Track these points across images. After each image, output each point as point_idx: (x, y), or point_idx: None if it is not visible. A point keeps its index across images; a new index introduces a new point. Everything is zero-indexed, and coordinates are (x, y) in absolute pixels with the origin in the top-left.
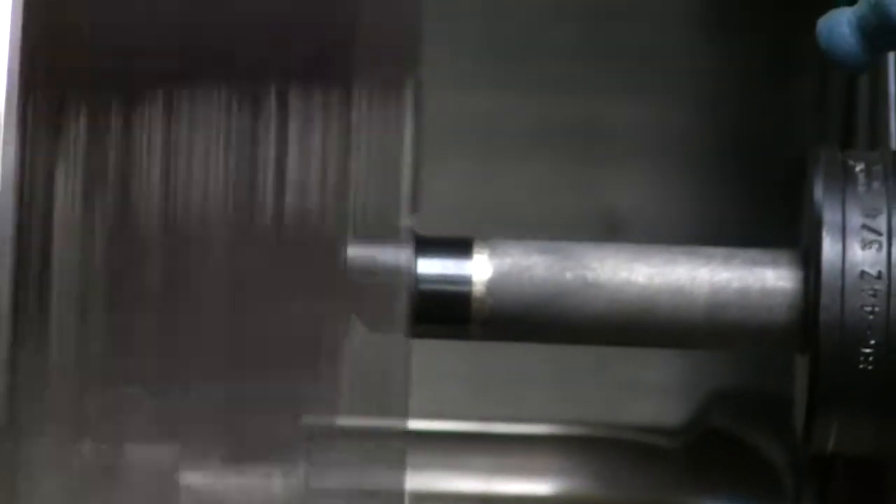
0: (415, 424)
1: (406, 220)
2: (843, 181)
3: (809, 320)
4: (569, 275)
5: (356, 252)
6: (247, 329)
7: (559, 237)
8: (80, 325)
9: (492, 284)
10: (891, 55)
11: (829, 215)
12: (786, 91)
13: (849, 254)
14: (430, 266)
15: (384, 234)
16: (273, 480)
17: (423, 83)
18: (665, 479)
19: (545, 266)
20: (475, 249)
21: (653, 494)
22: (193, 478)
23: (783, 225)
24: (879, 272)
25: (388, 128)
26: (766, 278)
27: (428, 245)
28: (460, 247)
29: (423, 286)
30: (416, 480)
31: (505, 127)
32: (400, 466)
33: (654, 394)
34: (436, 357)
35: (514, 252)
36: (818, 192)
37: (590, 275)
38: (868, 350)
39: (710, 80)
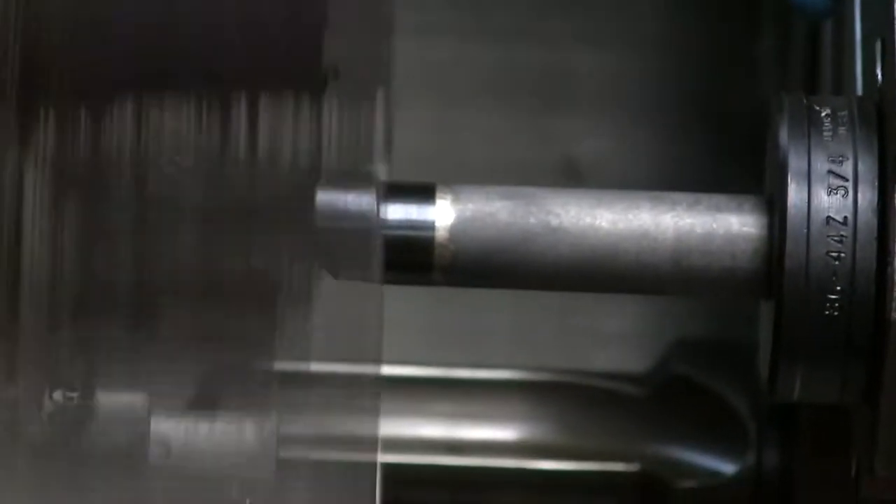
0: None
1: (379, 166)
2: (809, 127)
3: (774, 266)
4: (532, 220)
5: (326, 197)
6: (218, 275)
7: (521, 185)
8: (52, 289)
9: (454, 230)
10: (856, 1)
11: (795, 161)
12: (750, 38)
13: (814, 200)
14: (392, 212)
15: (356, 179)
16: (245, 427)
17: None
18: (629, 426)
19: (508, 211)
20: (438, 195)
21: (617, 441)
22: (164, 425)
23: (747, 174)
24: (845, 218)
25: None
26: (731, 224)
27: (390, 191)
28: (423, 192)
29: (386, 232)
30: (380, 426)
31: (467, 75)
32: (374, 413)
33: (616, 342)
34: (398, 304)
35: (476, 198)
36: (783, 137)
37: (553, 220)
38: (834, 296)
39: (674, 27)
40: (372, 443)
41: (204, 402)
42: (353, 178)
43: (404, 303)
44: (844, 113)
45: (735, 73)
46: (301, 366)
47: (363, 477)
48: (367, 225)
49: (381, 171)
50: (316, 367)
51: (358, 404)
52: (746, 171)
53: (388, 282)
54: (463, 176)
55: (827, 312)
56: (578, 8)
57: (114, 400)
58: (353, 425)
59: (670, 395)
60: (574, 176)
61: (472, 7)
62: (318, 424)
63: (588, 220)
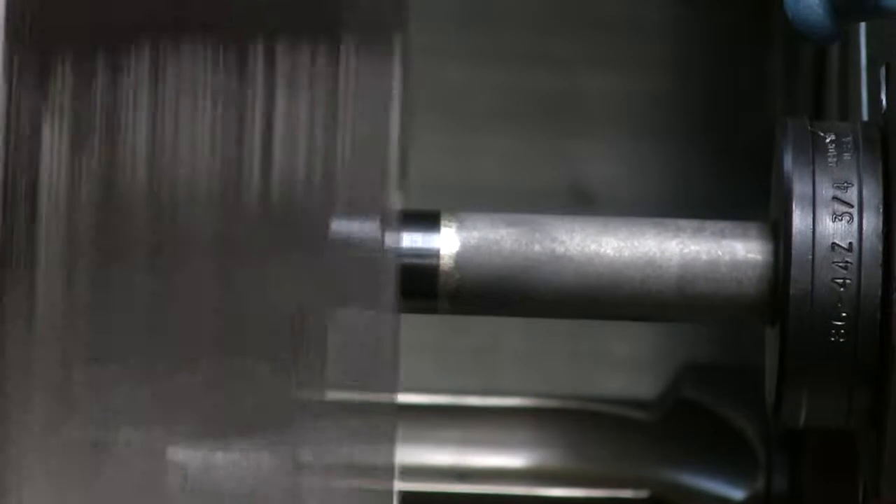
0: None
1: (395, 192)
2: (813, 152)
3: (780, 293)
4: (537, 248)
5: (341, 226)
6: (234, 303)
7: (530, 209)
8: (67, 292)
9: (459, 258)
10: (862, 25)
11: (799, 187)
12: (756, 62)
13: (819, 226)
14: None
15: (371, 207)
16: (261, 455)
17: (411, 45)
18: (638, 451)
19: (513, 239)
20: (443, 222)
21: (626, 466)
22: (181, 455)
23: (754, 197)
24: (850, 244)
25: (376, 94)
26: (736, 251)
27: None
28: (427, 220)
29: None
30: None
31: (476, 98)
32: (390, 441)
33: (625, 367)
34: (406, 330)
35: (481, 225)
36: (787, 163)
37: (558, 248)
38: (839, 323)
39: (681, 50)
40: (388, 471)
41: (221, 431)
42: (365, 205)
43: (412, 329)
44: (849, 138)
45: (744, 94)
46: (317, 394)
47: None
48: (377, 253)
49: (396, 199)
50: (332, 395)
51: (375, 432)
52: (757, 190)
53: None
54: (473, 198)
55: (832, 339)
56: (589, 30)
57: (130, 430)
58: (369, 453)
59: (680, 421)
60: (585, 198)
61: (481, 30)
62: (334, 453)
63: (593, 247)
